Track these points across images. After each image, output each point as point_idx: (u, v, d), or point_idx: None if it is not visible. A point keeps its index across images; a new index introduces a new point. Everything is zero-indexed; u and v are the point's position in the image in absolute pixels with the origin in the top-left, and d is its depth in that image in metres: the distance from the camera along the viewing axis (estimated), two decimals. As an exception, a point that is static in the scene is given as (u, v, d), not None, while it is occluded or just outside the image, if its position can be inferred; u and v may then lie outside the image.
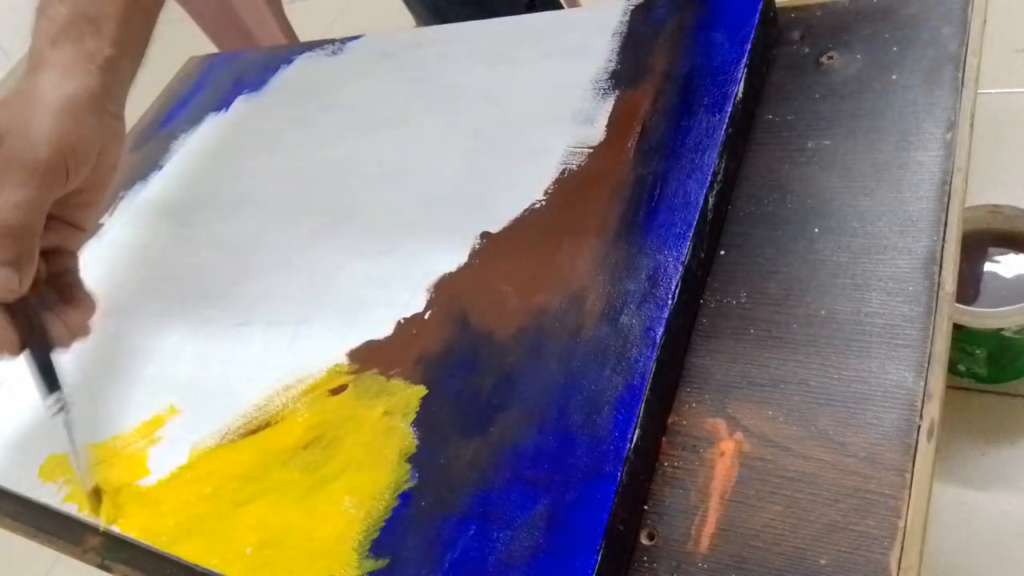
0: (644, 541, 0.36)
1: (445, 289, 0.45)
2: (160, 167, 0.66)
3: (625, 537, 0.35)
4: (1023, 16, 1.15)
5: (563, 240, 0.44)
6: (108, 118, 0.45)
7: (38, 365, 0.45)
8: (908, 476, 0.33)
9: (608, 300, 0.40)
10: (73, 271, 0.48)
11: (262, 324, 0.49)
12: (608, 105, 0.49)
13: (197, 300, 0.53)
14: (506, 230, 0.46)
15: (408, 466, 0.39)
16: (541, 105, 0.51)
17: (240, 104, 0.67)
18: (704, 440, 0.37)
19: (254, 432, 0.44)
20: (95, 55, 0.44)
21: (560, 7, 0.94)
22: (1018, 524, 0.82)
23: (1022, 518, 0.82)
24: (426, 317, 0.44)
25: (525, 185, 0.47)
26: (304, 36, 1.05)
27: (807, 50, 0.49)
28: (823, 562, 0.32)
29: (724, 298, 0.41)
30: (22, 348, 0.44)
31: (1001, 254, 0.91)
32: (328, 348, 0.46)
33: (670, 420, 0.38)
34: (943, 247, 0.38)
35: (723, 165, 0.44)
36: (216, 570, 0.40)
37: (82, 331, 0.47)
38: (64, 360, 0.47)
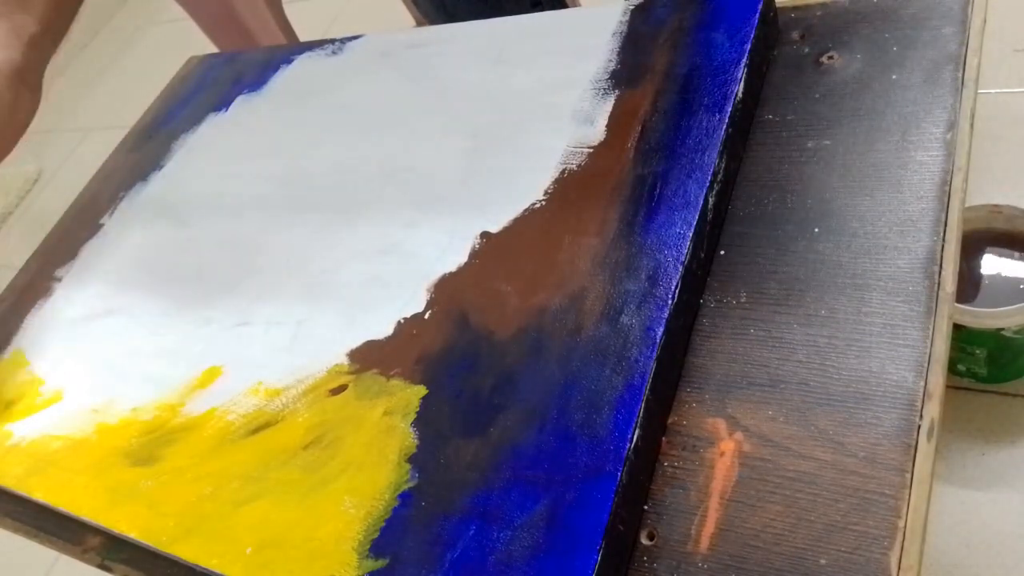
0: (644, 541, 0.36)
1: (445, 289, 0.45)
2: (160, 167, 0.66)
3: (625, 537, 0.35)
4: (1023, 16, 1.15)
5: (563, 240, 0.44)
6: (25, 90, 0.50)
7: None
8: (908, 476, 0.33)
9: (608, 300, 0.40)
10: None
11: (262, 324, 0.49)
12: (608, 105, 0.49)
13: (197, 300, 0.53)
14: (506, 230, 0.46)
15: (408, 466, 0.39)
16: (541, 105, 0.51)
17: (240, 104, 0.67)
18: (704, 440, 0.37)
19: (254, 432, 0.44)
20: (21, 31, 0.49)
21: (565, 6, 0.94)
22: (1018, 524, 0.82)
23: (1022, 518, 0.82)
24: (426, 317, 0.44)
25: (525, 185, 0.47)
26: (304, 36, 1.05)
27: (807, 50, 0.49)
28: (823, 562, 0.32)
29: (724, 298, 0.41)
30: None
31: (1001, 254, 0.91)
32: (328, 348, 0.46)
33: (670, 420, 0.38)
34: (943, 247, 0.38)
35: (723, 165, 0.44)
36: (216, 570, 0.40)
37: None
38: (66, 361, 0.47)
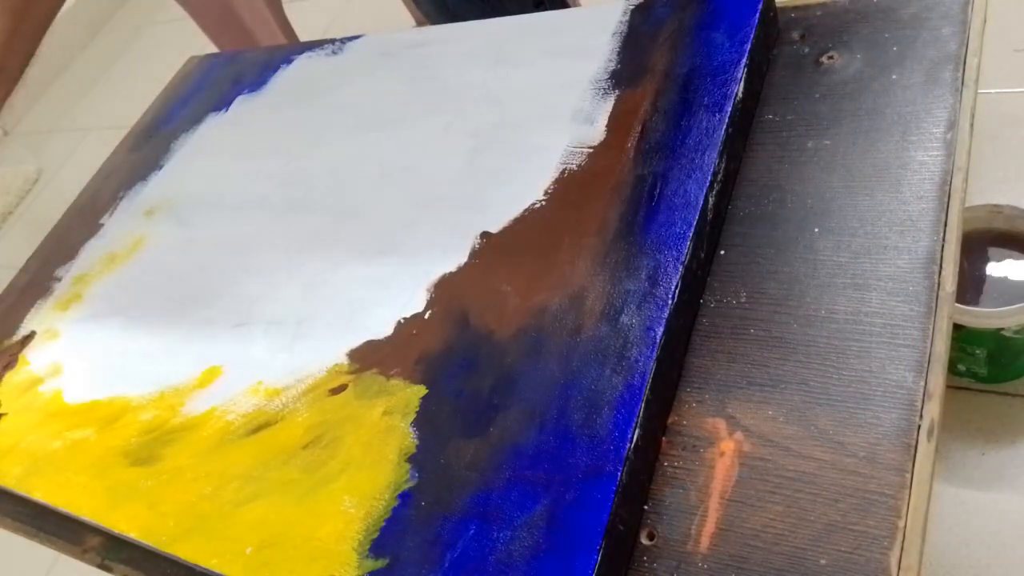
0: (644, 541, 0.36)
1: (445, 289, 0.45)
2: (160, 167, 0.66)
3: (625, 537, 0.35)
4: (1023, 16, 1.15)
5: (563, 240, 0.44)
6: None
7: None
8: (908, 476, 0.33)
9: (608, 300, 0.40)
10: None
11: (262, 324, 0.49)
12: (608, 105, 0.49)
13: (197, 300, 0.53)
14: (506, 230, 0.46)
15: (408, 466, 0.39)
16: (541, 105, 0.51)
17: (240, 104, 0.67)
18: (704, 440, 0.37)
19: (254, 432, 0.44)
20: None
21: (566, 7, 0.94)
22: (1018, 524, 0.82)
23: (1022, 518, 0.82)
24: (426, 317, 0.44)
25: (525, 185, 0.47)
26: (304, 36, 1.05)
27: (807, 50, 0.49)
28: (823, 562, 0.32)
29: (724, 298, 0.41)
30: None
31: (1001, 254, 0.91)
32: (328, 348, 0.46)
33: (670, 420, 0.38)
34: (943, 247, 0.38)
35: (723, 165, 0.44)
36: (216, 570, 0.40)
37: None
38: (67, 361, 0.47)
